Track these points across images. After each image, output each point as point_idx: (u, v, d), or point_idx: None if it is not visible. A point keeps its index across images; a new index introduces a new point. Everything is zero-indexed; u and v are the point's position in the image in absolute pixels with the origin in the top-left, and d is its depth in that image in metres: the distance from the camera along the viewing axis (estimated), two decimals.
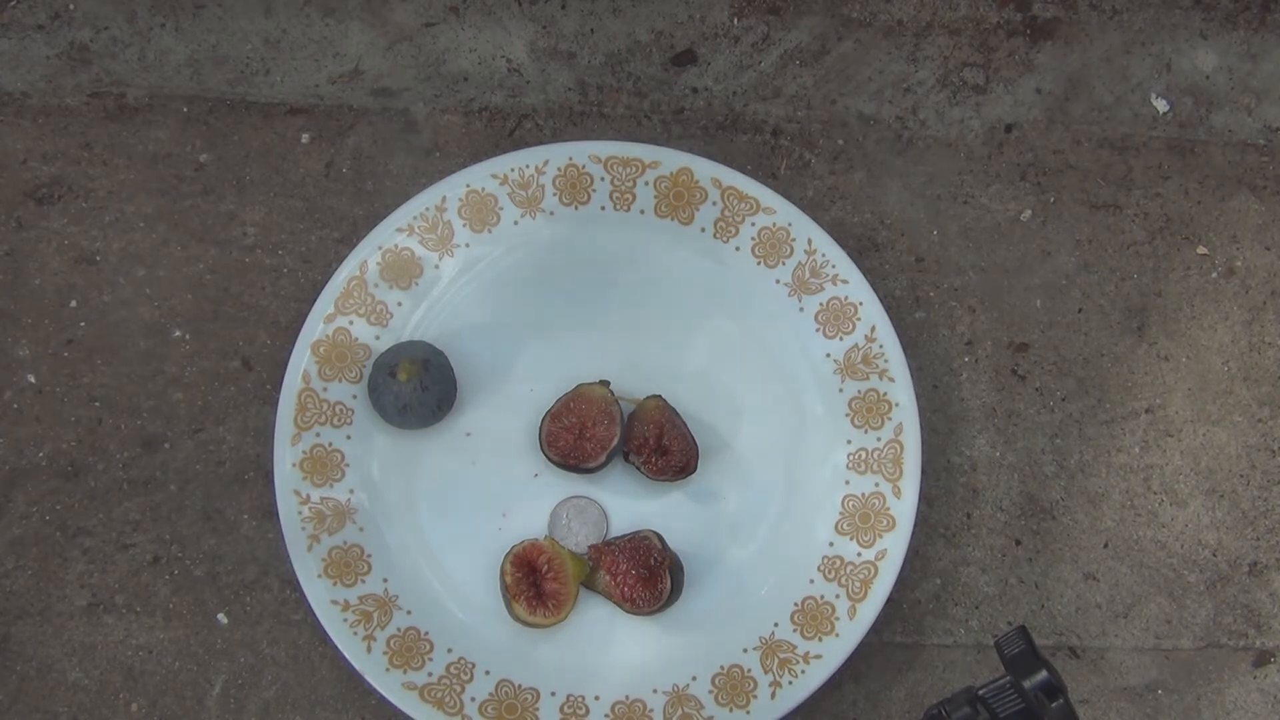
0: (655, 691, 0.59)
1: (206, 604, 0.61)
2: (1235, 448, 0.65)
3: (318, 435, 0.60)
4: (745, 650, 0.60)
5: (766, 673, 0.59)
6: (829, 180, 0.66)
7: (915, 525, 0.60)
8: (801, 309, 0.62)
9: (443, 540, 0.61)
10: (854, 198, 0.66)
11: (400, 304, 0.61)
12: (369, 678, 0.58)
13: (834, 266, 0.62)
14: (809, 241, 0.62)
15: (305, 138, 0.65)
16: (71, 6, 0.65)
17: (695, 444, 0.60)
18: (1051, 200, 0.67)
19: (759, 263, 0.62)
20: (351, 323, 0.60)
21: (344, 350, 0.60)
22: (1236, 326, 0.66)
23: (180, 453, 0.62)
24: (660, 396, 0.60)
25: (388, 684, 0.58)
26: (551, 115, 0.66)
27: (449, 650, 0.59)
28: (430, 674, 0.58)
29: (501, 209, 0.62)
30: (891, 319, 0.61)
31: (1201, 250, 0.67)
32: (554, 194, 0.62)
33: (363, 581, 0.59)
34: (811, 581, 0.60)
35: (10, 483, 0.61)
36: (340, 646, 0.58)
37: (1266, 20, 0.69)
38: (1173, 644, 0.64)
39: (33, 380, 0.62)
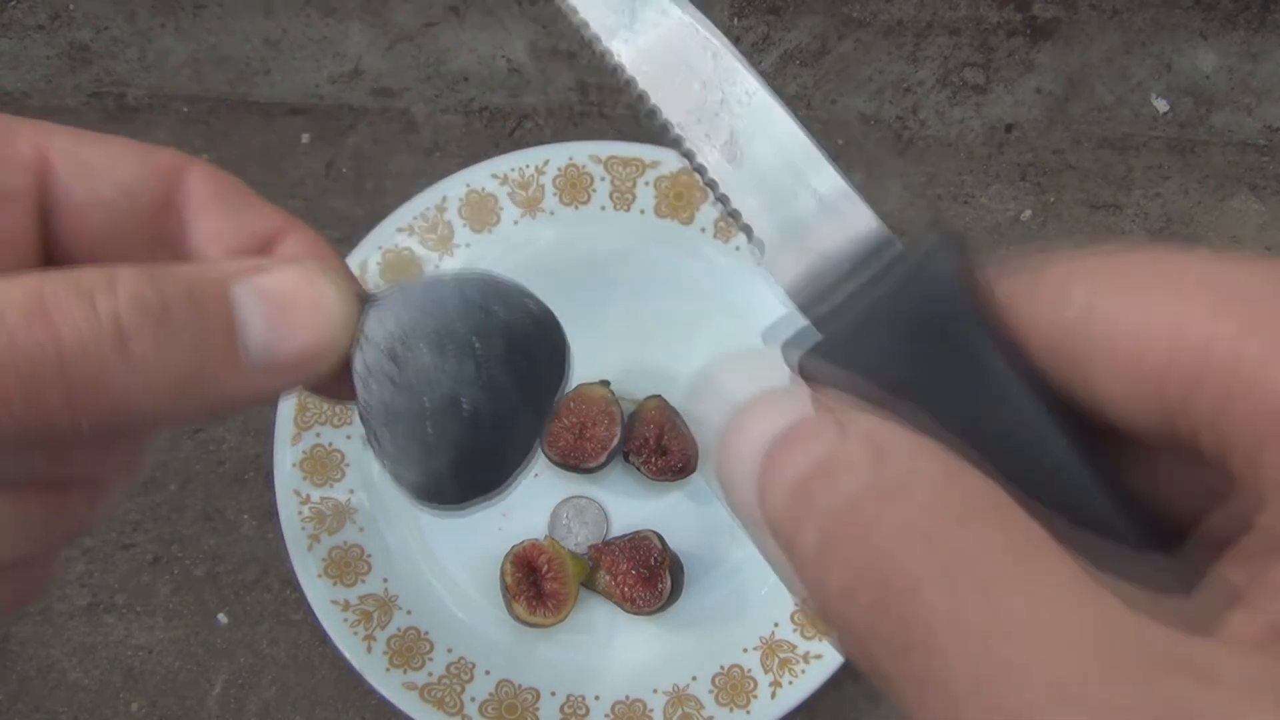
0: (655, 691, 0.59)
1: (206, 604, 0.61)
2: None
3: (318, 435, 0.60)
4: (745, 650, 0.60)
5: (767, 672, 0.59)
6: None
7: None
8: None
9: (443, 540, 0.61)
10: None
11: None
12: (369, 678, 0.58)
13: None
14: None
15: (305, 138, 0.65)
16: (71, 6, 0.65)
17: (696, 444, 0.60)
18: (1051, 200, 0.67)
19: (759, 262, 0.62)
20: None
21: None
22: None
23: (180, 453, 0.62)
24: (660, 396, 0.60)
25: (388, 684, 0.58)
26: (551, 115, 0.66)
27: (449, 650, 0.59)
28: (430, 674, 0.58)
29: (501, 209, 0.62)
30: None
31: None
32: (554, 194, 0.62)
33: (363, 581, 0.59)
34: None
35: None
36: (340, 646, 0.58)
37: (1266, 20, 0.69)
38: None
39: None
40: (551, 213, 0.62)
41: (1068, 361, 0.18)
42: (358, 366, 0.22)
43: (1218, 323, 0.16)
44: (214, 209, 0.23)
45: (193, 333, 0.20)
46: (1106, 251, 0.18)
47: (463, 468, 0.22)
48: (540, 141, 0.65)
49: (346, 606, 0.58)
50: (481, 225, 0.62)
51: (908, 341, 0.19)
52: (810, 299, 0.21)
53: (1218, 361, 0.16)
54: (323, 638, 0.60)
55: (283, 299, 0.21)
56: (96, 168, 0.22)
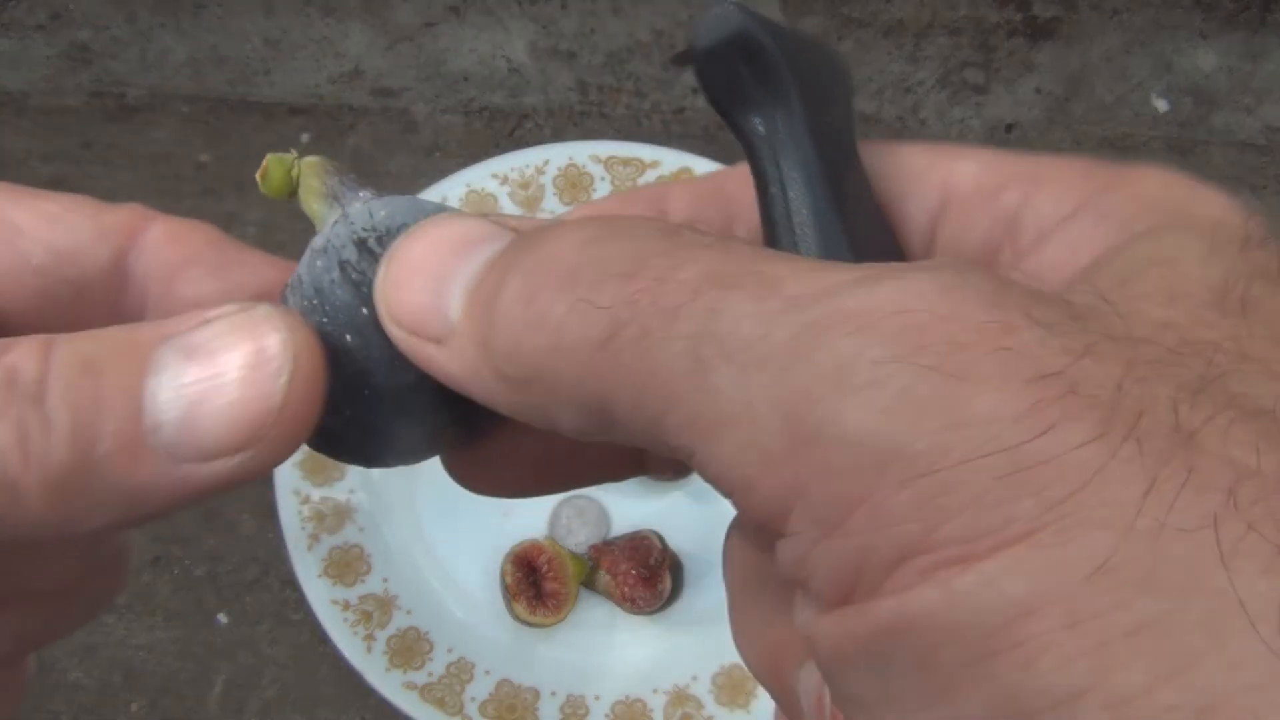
0: (655, 691, 0.59)
1: (206, 604, 0.61)
2: None
3: None
4: None
5: None
6: None
7: None
8: None
9: (443, 540, 0.61)
10: None
11: None
12: (369, 677, 0.58)
13: None
14: None
15: (305, 138, 0.65)
16: (71, 6, 0.65)
17: None
18: None
19: None
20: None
21: None
22: None
23: None
24: None
25: (388, 684, 0.58)
26: (551, 115, 0.66)
27: (449, 650, 0.59)
28: (430, 674, 0.58)
29: (501, 209, 0.62)
30: None
31: None
32: (554, 194, 0.62)
33: (363, 581, 0.59)
34: None
35: None
36: (340, 646, 0.58)
37: (1266, 20, 0.69)
38: None
39: None
40: (551, 213, 0.62)
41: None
42: (316, 242, 0.19)
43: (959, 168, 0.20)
44: (193, 272, 0.20)
45: (74, 411, 0.15)
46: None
47: (356, 428, 0.19)
48: (540, 141, 0.65)
49: (346, 606, 0.58)
50: None
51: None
52: None
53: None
54: (323, 638, 0.60)
55: (209, 352, 0.16)
56: (24, 229, 0.19)
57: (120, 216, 0.19)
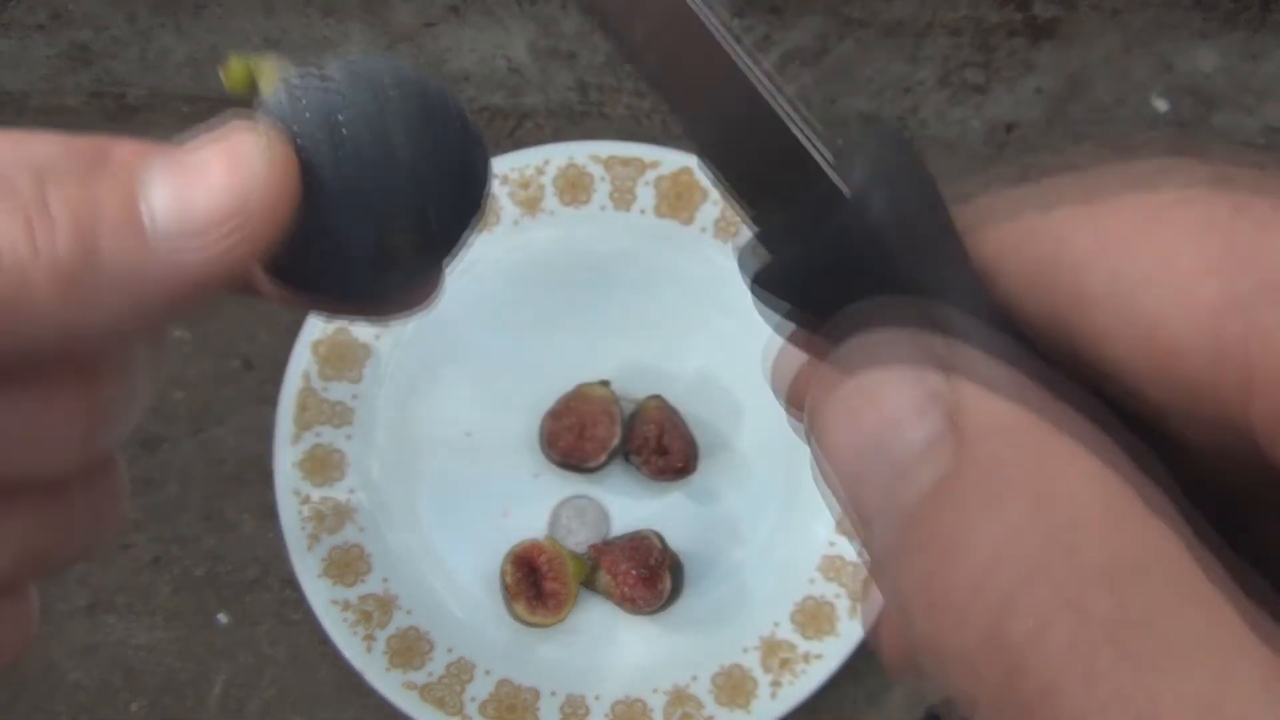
0: (655, 691, 0.59)
1: (206, 604, 0.61)
2: None
3: (318, 435, 0.60)
4: (745, 650, 0.60)
5: (767, 672, 0.59)
6: None
7: None
8: None
9: (443, 540, 0.61)
10: None
11: None
12: (369, 678, 0.58)
13: None
14: None
15: None
16: (71, 6, 0.65)
17: (695, 444, 0.60)
18: None
19: None
20: (352, 322, 0.61)
21: (344, 350, 0.60)
22: None
23: (180, 453, 0.62)
24: (660, 397, 0.60)
25: (388, 684, 0.58)
26: (551, 115, 0.66)
27: (449, 650, 0.59)
28: (430, 674, 0.58)
29: (501, 209, 0.62)
30: None
31: None
32: (554, 194, 0.62)
33: (363, 581, 0.59)
34: (811, 581, 0.60)
35: None
36: (340, 646, 0.58)
37: (1266, 20, 0.69)
38: None
39: None
40: (551, 213, 0.62)
41: (1051, 313, 0.16)
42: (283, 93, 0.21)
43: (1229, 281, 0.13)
44: None
45: (74, 208, 0.17)
46: (1098, 184, 0.15)
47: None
48: (540, 141, 0.65)
49: (346, 606, 0.58)
50: (481, 225, 0.62)
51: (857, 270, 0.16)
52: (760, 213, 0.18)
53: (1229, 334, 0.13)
54: (323, 638, 0.60)
55: (192, 150, 0.18)
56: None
57: (87, 138, 0.21)
